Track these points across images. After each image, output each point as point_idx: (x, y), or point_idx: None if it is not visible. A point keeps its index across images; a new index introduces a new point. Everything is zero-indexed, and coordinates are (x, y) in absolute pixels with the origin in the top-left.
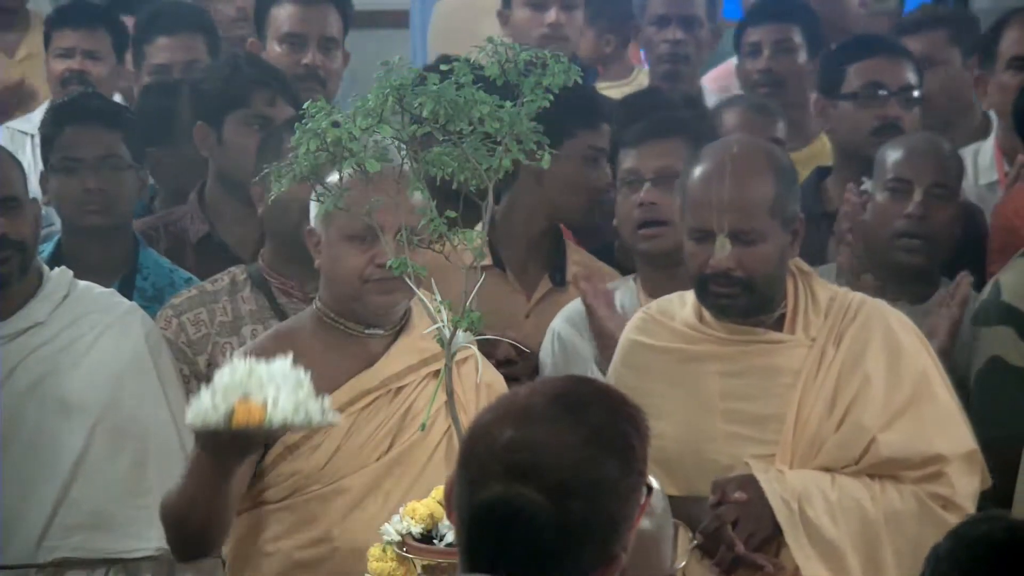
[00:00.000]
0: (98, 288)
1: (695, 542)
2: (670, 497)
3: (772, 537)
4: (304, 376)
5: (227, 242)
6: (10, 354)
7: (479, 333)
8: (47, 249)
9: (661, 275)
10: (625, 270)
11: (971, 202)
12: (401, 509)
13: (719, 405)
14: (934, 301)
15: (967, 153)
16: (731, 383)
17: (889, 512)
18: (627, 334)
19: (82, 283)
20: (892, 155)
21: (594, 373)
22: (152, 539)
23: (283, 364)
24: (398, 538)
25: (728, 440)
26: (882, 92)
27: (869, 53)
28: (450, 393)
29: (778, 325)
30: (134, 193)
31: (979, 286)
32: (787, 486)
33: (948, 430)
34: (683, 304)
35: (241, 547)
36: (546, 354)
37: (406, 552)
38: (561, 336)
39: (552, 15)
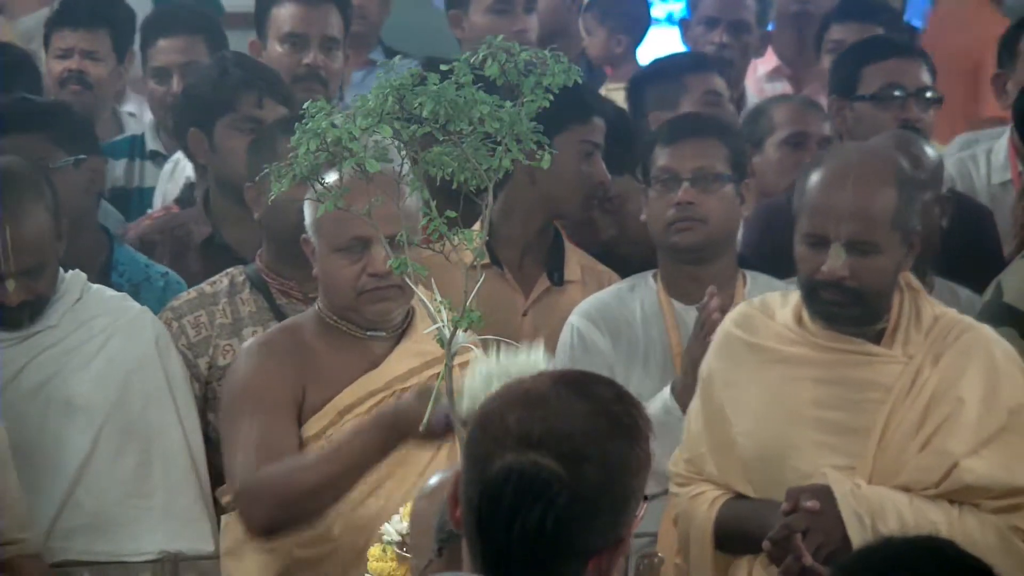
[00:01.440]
0: (110, 292)
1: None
2: (744, 497)
3: (843, 551)
4: None
5: (230, 244)
6: (19, 355)
7: (479, 333)
8: None
9: (683, 272)
10: (632, 270)
11: (979, 203)
12: (401, 509)
13: (809, 412)
14: None
15: (980, 152)
16: (823, 391)
17: (966, 540)
18: (724, 325)
19: (95, 286)
20: None
21: (612, 373)
22: (155, 543)
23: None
24: (398, 538)
25: (813, 448)
26: (900, 93)
27: (884, 54)
28: (450, 394)
29: (878, 338)
30: (76, 189)
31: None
32: (862, 501)
33: None
34: (784, 303)
35: (242, 544)
36: (564, 347)
37: (406, 552)
38: (580, 330)
39: (520, 22)
